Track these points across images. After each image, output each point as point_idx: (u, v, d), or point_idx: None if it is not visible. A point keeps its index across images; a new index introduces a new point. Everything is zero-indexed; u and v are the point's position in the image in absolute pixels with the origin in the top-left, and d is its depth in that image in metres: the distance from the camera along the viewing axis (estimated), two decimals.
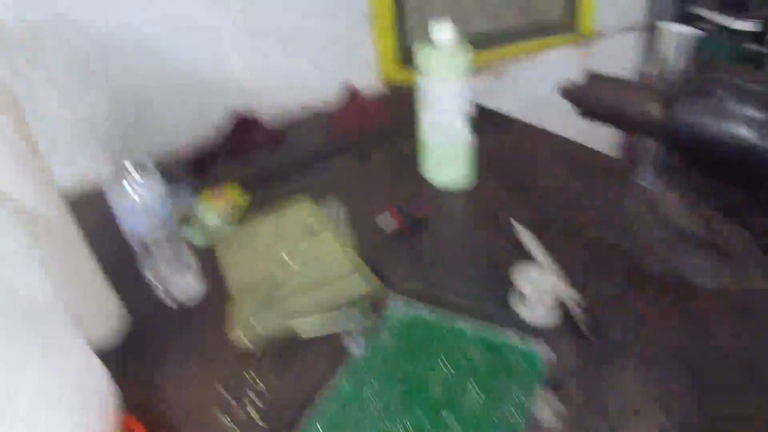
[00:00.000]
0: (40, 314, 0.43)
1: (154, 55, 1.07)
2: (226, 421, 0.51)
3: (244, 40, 1.15)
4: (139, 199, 0.60)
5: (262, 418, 0.51)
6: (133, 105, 1.08)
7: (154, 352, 0.60)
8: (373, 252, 0.71)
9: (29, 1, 0.92)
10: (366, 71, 1.33)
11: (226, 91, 1.17)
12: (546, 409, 0.49)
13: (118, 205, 0.61)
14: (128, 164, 0.61)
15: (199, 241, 0.77)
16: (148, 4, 1.02)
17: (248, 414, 0.51)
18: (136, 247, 0.63)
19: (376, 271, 0.66)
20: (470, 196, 0.86)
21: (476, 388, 0.52)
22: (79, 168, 1.02)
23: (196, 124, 1.16)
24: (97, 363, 0.50)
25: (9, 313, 0.39)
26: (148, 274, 0.66)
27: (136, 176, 0.60)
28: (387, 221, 0.77)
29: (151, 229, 0.62)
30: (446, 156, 0.86)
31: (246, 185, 0.91)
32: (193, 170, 1.02)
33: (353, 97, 1.19)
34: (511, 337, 0.57)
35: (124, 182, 0.60)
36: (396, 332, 0.59)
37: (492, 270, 0.66)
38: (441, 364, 0.55)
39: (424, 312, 0.61)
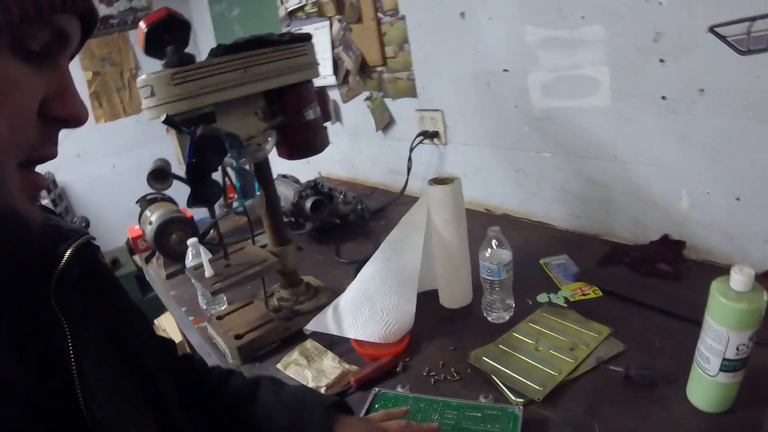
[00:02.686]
0: (409, 275, 1.15)
1: (621, 165, 1.42)
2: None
3: (699, 181, 1.28)
4: (502, 257, 1.13)
5: None
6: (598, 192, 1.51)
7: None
8: None
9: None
10: None
11: (667, 215, 1.38)
12: None
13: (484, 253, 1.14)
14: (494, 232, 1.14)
15: (544, 299, 1.22)
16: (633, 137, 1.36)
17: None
18: (484, 283, 1.17)
19: None
20: None
21: None
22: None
23: (634, 227, 1.46)
24: (414, 296, 1.15)
25: (403, 272, 1.15)
26: (486, 300, 1.19)
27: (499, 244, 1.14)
28: None
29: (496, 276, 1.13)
30: None
31: (609, 294, 1.22)
32: (599, 261, 1.38)
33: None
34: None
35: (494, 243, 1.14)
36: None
37: None
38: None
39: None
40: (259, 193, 1.07)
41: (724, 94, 1.15)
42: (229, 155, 1.00)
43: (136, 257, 2.02)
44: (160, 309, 2.62)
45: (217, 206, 1.07)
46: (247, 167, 1.05)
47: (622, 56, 1.30)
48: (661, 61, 1.23)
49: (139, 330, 0.73)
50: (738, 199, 1.21)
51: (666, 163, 1.32)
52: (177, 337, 2.62)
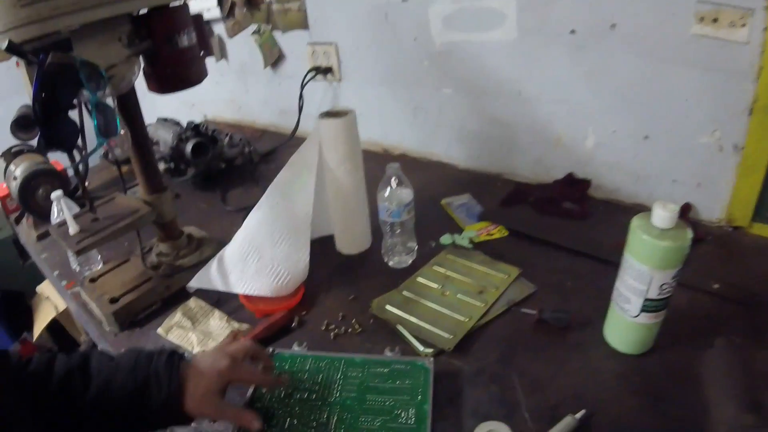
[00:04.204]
0: (300, 220, 1.05)
1: (526, 103, 1.36)
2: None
3: (606, 119, 1.25)
4: (403, 197, 1.05)
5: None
6: (500, 130, 1.45)
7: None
8: None
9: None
10: (711, 201, 1.16)
11: (572, 154, 1.34)
12: None
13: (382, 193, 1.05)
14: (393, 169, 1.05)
15: (448, 241, 1.17)
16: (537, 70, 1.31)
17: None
18: (383, 226, 1.10)
19: None
20: None
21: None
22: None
23: (537, 166, 1.42)
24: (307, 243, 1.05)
25: (293, 217, 1.05)
26: (387, 244, 1.13)
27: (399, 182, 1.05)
28: None
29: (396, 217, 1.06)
30: None
31: (515, 234, 1.18)
32: (503, 200, 1.34)
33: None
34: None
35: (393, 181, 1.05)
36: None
37: None
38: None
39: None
40: (122, 132, 0.93)
41: (636, 31, 1.11)
42: (85, 88, 0.85)
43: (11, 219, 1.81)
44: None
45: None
46: (107, 101, 0.90)
47: None
48: None
49: None
50: (646, 138, 1.19)
51: (573, 100, 1.28)
52: (62, 305, 2.43)
